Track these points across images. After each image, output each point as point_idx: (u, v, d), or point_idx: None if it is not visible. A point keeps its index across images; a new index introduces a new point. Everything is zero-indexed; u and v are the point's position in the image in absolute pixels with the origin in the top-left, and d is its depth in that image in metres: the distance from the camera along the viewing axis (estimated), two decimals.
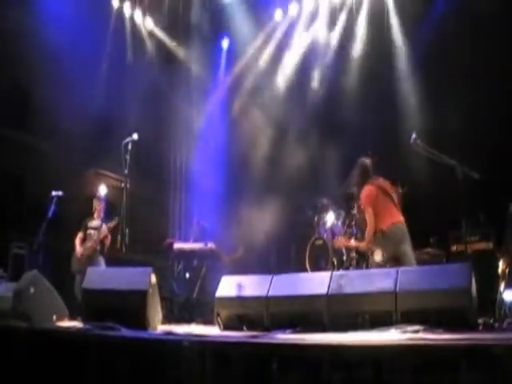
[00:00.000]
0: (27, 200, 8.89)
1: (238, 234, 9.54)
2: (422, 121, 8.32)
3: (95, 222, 8.32)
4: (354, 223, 8.03)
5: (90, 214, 8.41)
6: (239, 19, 10.71)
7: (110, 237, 8.22)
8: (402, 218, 6.16)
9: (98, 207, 8.38)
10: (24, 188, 9.10)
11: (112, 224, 8.13)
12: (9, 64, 8.34)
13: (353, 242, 6.94)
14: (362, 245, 6.45)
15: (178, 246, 9.62)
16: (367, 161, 6.47)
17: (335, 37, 10.34)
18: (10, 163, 8.80)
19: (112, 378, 3.90)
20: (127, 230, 7.19)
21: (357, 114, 9.47)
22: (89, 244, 8.16)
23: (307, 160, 9.71)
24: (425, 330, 4.15)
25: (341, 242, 7.09)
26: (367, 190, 6.24)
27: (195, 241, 9.72)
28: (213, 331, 5.52)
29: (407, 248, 6.01)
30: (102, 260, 8.22)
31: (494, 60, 7.94)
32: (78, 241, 8.23)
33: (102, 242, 8.22)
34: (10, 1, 8.57)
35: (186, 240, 10.23)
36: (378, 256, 5.99)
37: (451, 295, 4.47)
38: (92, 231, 8.26)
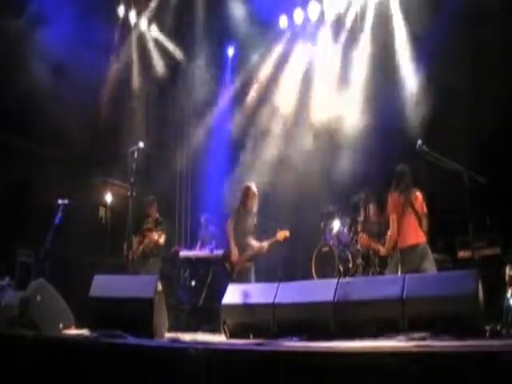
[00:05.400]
0: (34, 208, 8.88)
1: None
2: (428, 125, 8.28)
3: (150, 225, 8.29)
4: (360, 230, 8.05)
5: (145, 217, 8.37)
6: (244, 26, 10.73)
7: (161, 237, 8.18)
8: (423, 239, 6.19)
9: (154, 212, 8.39)
10: (30, 196, 9.10)
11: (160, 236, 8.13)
12: (15, 71, 8.37)
13: (375, 244, 7.00)
14: (382, 250, 6.58)
15: (184, 253, 9.64)
16: (403, 170, 6.47)
17: (340, 43, 10.34)
18: (17, 171, 8.81)
19: None
20: (134, 238, 7.21)
21: (362, 120, 9.46)
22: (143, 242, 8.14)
23: (314, 167, 9.69)
24: (432, 337, 4.13)
25: (365, 240, 7.16)
26: (393, 198, 6.34)
27: (203, 243, 9.73)
28: (219, 339, 5.53)
29: (428, 266, 6.04)
30: (158, 260, 8.23)
31: (499, 60, 7.90)
32: (135, 244, 8.03)
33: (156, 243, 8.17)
34: (13, 8, 8.62)
35: (192, 246, 10.24)
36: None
37: (458, 302, 4.46)
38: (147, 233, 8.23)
